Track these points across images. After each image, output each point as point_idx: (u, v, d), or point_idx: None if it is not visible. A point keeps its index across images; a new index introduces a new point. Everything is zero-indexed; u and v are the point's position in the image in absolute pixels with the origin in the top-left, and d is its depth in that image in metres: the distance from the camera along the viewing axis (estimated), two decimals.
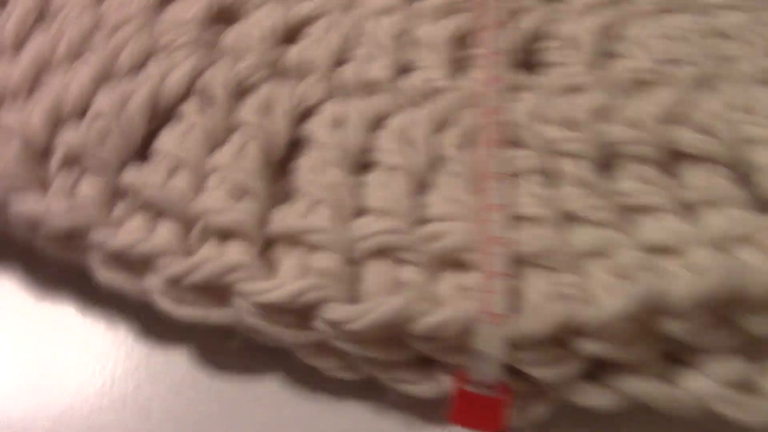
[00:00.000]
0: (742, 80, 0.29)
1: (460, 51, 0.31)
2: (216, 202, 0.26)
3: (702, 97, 0.28)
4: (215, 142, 0.27)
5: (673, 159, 0.28)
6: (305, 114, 0.29)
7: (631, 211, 0.27)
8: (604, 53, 0.30)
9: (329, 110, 0.29)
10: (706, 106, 0.28)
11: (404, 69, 0.30)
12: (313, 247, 0.25)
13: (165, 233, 0.25)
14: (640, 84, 0.29)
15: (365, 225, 0.26)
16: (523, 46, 0.31)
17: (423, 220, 0.26)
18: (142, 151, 0.27)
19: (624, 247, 0.25)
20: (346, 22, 0.31)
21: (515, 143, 0.28)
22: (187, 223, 0.26)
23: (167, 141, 0.27)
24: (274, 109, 0.28)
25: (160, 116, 0.28)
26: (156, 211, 0.26)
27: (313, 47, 0.30)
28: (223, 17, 0.31)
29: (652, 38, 0.30)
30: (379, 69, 0.30)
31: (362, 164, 0.28)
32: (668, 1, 0.32)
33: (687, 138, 0.28)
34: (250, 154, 0.27)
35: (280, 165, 0.28)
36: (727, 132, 0.28)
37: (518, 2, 0.31)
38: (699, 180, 0.27)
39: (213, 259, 0.24)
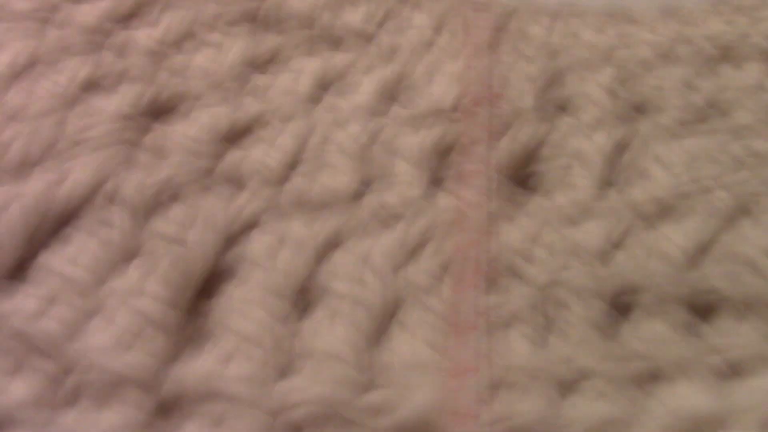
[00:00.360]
0: None
1: (443, 165, 0.26)
2: (101, 344, 0.19)
3: (740, 228, 0.23)
4: (118, 261, 0.21)
5: (706, 306, 0.22)
6: (240, 232, 0.23)
7: (654, 376, 0.20)
8: (619, 174, 0.25)
9: (272, 228, 0.23)
10: (747, 240, 0.22)
11: (374, 183, 0.25)
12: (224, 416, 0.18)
13: (25, 386, 0.19)
14: (665, 210, 0.24)
15: (299, 386, 0.19)
16: (520, 163, 0.26)
17: (376, 381, 0.19)
18: (18, 270, 0.21)
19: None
20: (306, 124, 0.26)
21: (508, 278, 0.22)
22: (59, 372, 0.19)
23: (53, 258, 0.21)
24: (200, 224, 0.22)
25: (49, 226, 0.22)
26: (19, 352, 0.19)
27: (261, 152, 0.25)
28: (154, 111, 0.26)
29: (675, 158, 0.25)
30: (342, 181, 0.24)
31: (308, 298, 0.22)
32: (693, 117, 0.27)
33: (726, 279, 0.22)
34: (161, 279, 0.21)
35: (199, 296, 0.21)
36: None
37: (516, 112, 0.26)
38: (741, 335, 0.21)
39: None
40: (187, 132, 0.25)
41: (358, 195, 0.24)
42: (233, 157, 0.25)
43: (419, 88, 0.28)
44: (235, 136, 0.25)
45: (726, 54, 0.30)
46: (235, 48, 0.28)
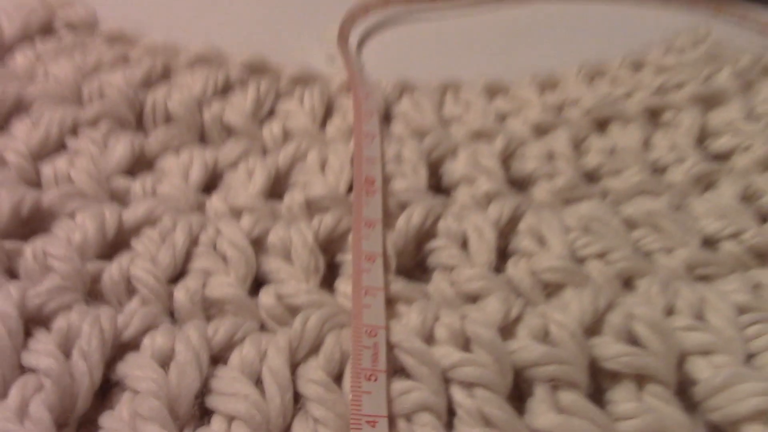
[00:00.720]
0: (660, 275, 0.25)
1: (337, 252, 0.25)
2: None
3: (620, 299, 0.23)
4: None
5: (597, 379, 0.22)
6: (122, 350, 0.22)
7: None
8: (504, 251, 0.25)
9: (159, 341, 0.22)
10: (626, 311, 0.23)
11: (259, 282, 0.24)
12: None
13: None
14: (547, 287, 0.24)
15: None
16: (417, 243, 0.25)
17: None
18: None
19: None
20: (190, 224, 0.25)
21: (401, 373, 0.21)
22: None
23: None
24: (78, 347, 0.21)
25: None
26: None
27: (145, 258, 0.24)
28: (35, 218, 0.25)
29: (554, 232, 0.25)
30: (228, 285, 0.23)
31: (198, 413, 0.21)
32: (568, 190, 0.28)
33: (610, 351, 0.22)
34: (37, 411, 0.19)
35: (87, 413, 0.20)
36: (656, 340, 0.22)
37: (409, 191, 0.27)
38: (629, 404, 0.21)
39: None
40: (66, 237, 0.24)
41: (242, 297, 0.23)
42: (112, 267, 0.24)
43: (310, 175, 0.28)
44: (117, 242, 0.25)
45: (607, 119, 0.32)
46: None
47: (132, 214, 0.25)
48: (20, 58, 0.31)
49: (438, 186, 0.29)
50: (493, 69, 0.36)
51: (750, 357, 0.23)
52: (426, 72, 0.35)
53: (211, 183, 0.28)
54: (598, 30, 0.40)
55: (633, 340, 0.23)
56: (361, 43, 0.38)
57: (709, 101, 0.33)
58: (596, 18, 0.41)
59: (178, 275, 0.24)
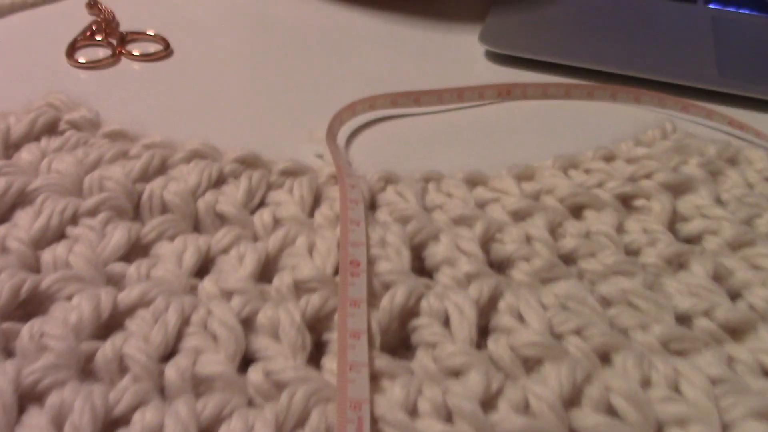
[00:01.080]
0: (635, 350, 0.26)
1: (324, 331, 0.26)
2: None
3: (597, 372, 0.24)
4: None
5: None
6: (113, 425, 0.22)
7: None
8: (485, 328, 0.26)
9: (148, 417, 0.22)
10: (604, 384, 0.23)
11: (247, 360, 0.25)
12: None
13: None
14: (526, 362, 0.25)
15: None
16: (401, 321, 0.27)
17: None
18: None
19: None
20: (182, 305, 0.26)
21: None
22: None
23: None
24: (70, 422, 0.22)
25: None
26: None
27: (138, 337, 0.25)
28: (34, 301, 0.26)
29: (532, 310, 0.27)
30: (217, 363, 0.24)
31: None
32: (545, 271, 0.29)
33: (589, 422, 0.23)
34: None
35: None
36: (633, 411, 0.23)
37: (391, 277, 0.28)
38: None
39: None
40: (60, 318, 0.25)
41: (232, 374, 0.24)
42: (104, 348, 0.24)
43: (298, 259, 0.29)
44: (109, 326, 0.26)
45: (581, 205, 0.33)
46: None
47: (126, 296, 0.26)
48: (25, 155, 0.33)
49: (421, 268, 0.30)
50: (473, 162, 0.38)
51: (726, 427, 0.23)
52: (409, 165, 0.37)
53: (203, 268, 0.29)
54: (571, 125, 0.42)
55: (611, 411, 0.24)
56: (349, 140, 0.40)
57: (678, 188, 0.34)
58: (570, 114, 0.43)
59: (169, 354, 0.25)
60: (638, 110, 0.44)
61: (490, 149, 0.40)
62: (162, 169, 0.33)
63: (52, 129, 0.35)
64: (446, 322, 0.27)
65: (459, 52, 0.50)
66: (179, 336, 0.25)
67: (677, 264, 0.31)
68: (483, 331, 0.27)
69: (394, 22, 0.54)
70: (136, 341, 0.24)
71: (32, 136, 0.34)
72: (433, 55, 0.50)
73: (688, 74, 0.46)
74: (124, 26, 0.50)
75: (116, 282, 0.28)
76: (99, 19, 0.50)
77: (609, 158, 0.36)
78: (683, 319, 0.28)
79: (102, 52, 0.47)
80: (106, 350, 0.24)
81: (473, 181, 0.35)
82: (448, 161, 0.38)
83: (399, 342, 0.27)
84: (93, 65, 0.46)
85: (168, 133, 0.39)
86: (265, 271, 0.29)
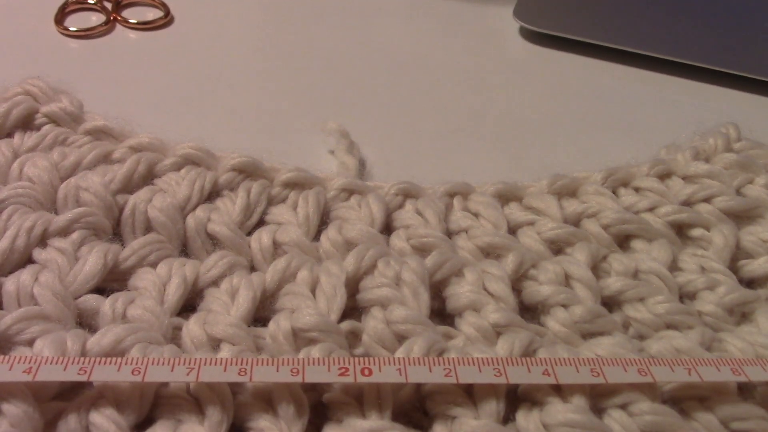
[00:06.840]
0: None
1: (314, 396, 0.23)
2: None
3: None
4: None
5: None
6: None
7: None
8: (515, 394, 0.23)
9: None
10: None
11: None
12: None
13: None
14: None
15: None
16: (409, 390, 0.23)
17: None
18: None
19: None
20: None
21: None
22: None
23: None
24: None
25: None
26: None
27: (109, 400, 0.21)
28: None
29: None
30: None
31: None
32: (586, 322, 0.25)
33: None
34: None
35: None
36: None
37: (406, 328, 0.24)
38: None
39: None
40: None
41: None
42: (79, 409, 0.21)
43: (299, 300, 0.25)
44: None
45: (629, 234, 0.29)
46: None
47: (96, 343, 0.22)
48: None
49: (441, 310, 0.26)
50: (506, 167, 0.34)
51: None
52: (432, 170, 0.33)
53: (190, 299, 0.25)
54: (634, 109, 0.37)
55: None
56: (365, 136, 0.35)
57: (742, 216, 0.30)
58: (623, 99, 0.39)
59: (143, 421, 0.21)
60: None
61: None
62: (148, 176, 0.29)
63: (27, 122, 0.30)
64: (468, 389, 0.23)
65: (490, 28, 0.45)
66: (156, 401, 0.22)
67: (740, 314, 0.26)
68: (512, 399, 0.23)
69: None
70: (105, 408, 0.21)
71: (4, 131, 0.30)
72: (461, 31, 0.45)
73: (753, 65, 0.40)
74: None
75: (88, 318, 0.24)
76: None
77: (664, 175, 0.31)
78: (745, 390, 0.24)
79: (95, 17, 0.43)
80: (69, 422, 0.20)
81: (506, 197, 0.30)
82: (476, 166, 0.34)
83: (412, 408, 0.23)
84: (84, 33, 0.41)
85: (164, 118, 0.35)
86: (260, 310, 0.25)
